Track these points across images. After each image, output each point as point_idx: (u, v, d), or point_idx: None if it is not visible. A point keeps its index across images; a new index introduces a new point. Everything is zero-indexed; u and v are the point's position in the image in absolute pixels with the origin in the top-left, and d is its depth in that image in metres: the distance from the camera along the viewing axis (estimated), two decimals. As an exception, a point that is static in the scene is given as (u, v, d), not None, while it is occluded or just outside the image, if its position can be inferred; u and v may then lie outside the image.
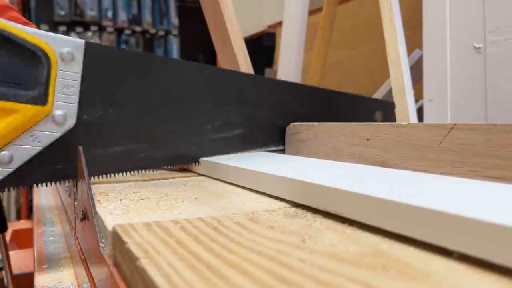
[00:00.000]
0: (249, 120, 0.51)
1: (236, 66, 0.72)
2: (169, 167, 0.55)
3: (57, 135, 0.38)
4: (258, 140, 0.52)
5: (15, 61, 0.36)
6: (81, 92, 0.39)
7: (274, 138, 0.54)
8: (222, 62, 0.76)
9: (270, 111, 0.53)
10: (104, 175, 0.42)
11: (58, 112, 0.38)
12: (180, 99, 0.46)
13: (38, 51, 0.36)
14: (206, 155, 0.48)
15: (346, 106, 0.59)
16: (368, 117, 0.58)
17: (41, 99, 0.37)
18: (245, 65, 0.72)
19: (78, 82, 0.39)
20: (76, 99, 0.39)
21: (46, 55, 0.37)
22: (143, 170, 0.45)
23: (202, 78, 0.48)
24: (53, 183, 0.40)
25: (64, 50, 0.38)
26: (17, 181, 0.37)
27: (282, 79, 0.96)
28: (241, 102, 0.51)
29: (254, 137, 0.52)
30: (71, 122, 0.39)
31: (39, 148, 0.37)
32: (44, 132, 0.37)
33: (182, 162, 0.48)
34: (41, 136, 0.37)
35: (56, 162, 0.39)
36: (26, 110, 0.36)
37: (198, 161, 0.48)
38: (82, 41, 0.39)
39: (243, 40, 0.73)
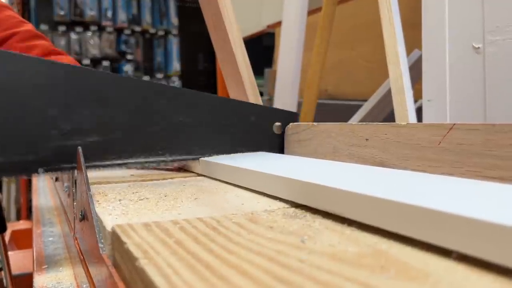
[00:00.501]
0: (108, 127, 0.44)
1: (235, 66, 0.72)
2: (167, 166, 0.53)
3: None
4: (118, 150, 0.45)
5: None
6: None
7: (147, 149, 0.46)
8: (221, 62, 0.76)
9: (137, 117, 0.46)
10: None
11: None
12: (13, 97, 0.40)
13: None
14: (49, 164, 0.42)
15: (235, 115, 0.51)
16: (264, 129, 0.52)
17: None
18: (244, 65, 0.72)
19: None
20: None
21: None
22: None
23: (50, 78, 0.41)
24: None
25: None
26: None
27: (281, 79, 0.96)
28: (96, 105, 0.44)
29: (113, 147, 0.45)
30: None
31: None
32: None
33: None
34: None
35: None
36: None
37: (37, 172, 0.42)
38: None
39: (242, 40, 0.73)
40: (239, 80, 0.70)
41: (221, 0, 0.70)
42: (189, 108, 0.49)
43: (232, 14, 0.71)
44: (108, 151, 0.44)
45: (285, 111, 0.55)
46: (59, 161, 0.42)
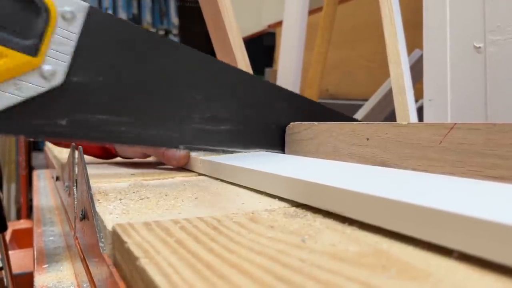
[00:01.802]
0: (240, 119, 0.50)
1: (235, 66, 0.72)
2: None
3: (41, 89, 0.37)
4: (247, 139, 0.51)
5: (16, 8, 0.36)
6: (74, 53, 0.39)
7: (268, 141, 0.53)
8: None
9: (264, 113, 0.52)
10: (81, 141, 0.42)
11: (47, 67, 0.37)
12: (173, 83, 0.46)
13: (40, 3, 0.36)
14: (188, 143, 0.47)
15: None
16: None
17: (33, 50, 0.36)
18: (244, 66, 0.72)
19: (73, 42, 0.38)
20: (68, 58, 0.38)
21: (47, 9, 0.36)
22: (119, 144, 0.44)
23: (200, 68, 0.47)
24: (31, 137, 0.39)
25: (66, 9, 0.37)
26: None
27: (282, 78, 0.96)
28: (234, 99, 0.50)
29: (243, 136, 0.51)
30: (58, 79, 0.38)
31: (21, 99, 0.36)
32: (29, 84, 0.36)
33: (162, 145, 0.47)
34: (25, 86, 0.36)
35: (36, 117, 0.38)
36: (15, 57, 0.35)
37: (178, 147, 0.47)
38: (86, 4, 0.39)
39: (242, 40, 0.73)
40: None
41: (221, 0, 0.70)
42: (305, 113, 0.55)
43: (231, 14, 0.72)
44: (237, 139, 0.51)
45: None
46: (197, 142, 0.48)
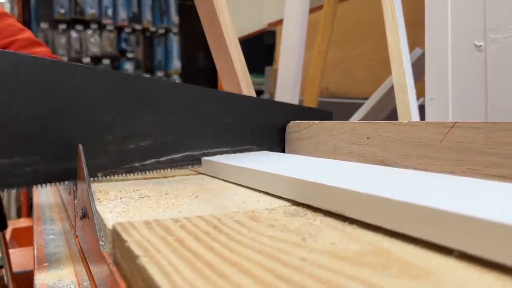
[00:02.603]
0: (161, 130, 0.46)
1: (231, 65, 0.72)
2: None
3: None
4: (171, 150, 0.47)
5: None
6: None
7: (194, 146, 0.48)
8: (217, 60, 0.76)
9: (186, 120, 0.48)
10: None
11: None
12: (80, 108, 0.41)
13: None
14: (107, 169, 0.43)
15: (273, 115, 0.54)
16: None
17: None
18: (239, 65, 0.72)
19: None
20: None
21: None
22: (28, 186, 0.40)
23: (106, 85, 0.43)
24: None
25: None
26: None
27: (283, 77, 0.96)
28: (151, 111, 0.45)
29: (166, 148, 0.46)
30: None
31: None
32: None
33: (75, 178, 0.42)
34: None
35: None
36: None
37: (97, 176, 0.43)
38: None
39: (237, 39, 0.73)
40: (235, 79, 0.71)
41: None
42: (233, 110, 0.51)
43: (227, 13, 0.71)
44: (158, 153, 0.46)
45: (322, 110, 0.58)
46: (115, 165, 0.44)
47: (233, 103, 0.52)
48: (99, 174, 0.43)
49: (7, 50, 0.41)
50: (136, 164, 0.45)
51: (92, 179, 0.43)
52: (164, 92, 0.47)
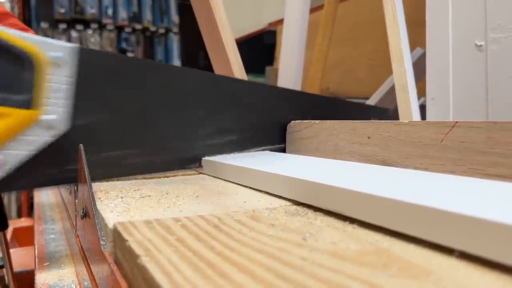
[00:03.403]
0: (242, 126, 0.51)
1: (228, 66, 0.72)
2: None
3: (48, 139, 0.37)
4: (252, 144, 0.53)
5: (3, 65, 0.35)
6: (74, 96, 0.38)
7: (271, 141, 0.54)
8: (214, 61, 0.77)
9: (266, 117, 0.53)
10: (98, 181, 0.42)
11: (48, 117, 0.37)
12: (175, 105, 0.46)
13: (25, 55, 0.35)
14: (197, 161, 0.48)
15: (345, 112, 0.59)
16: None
17: (28, 103, 0.36)
18: (236, 65, 0.72)
19: (70, 86, 0.38)
20: (68, 103, 0.38)
21: (31, 58, 0.36)
22: (133, 175, 0.45)
23: (198, 84, 0.48)
24: (46, 187, 0.40)
25: (55, 55, 0.37)
26: (8, 185, 0.36)
27: (283, 77, 0.96)
28: (234, 109, 0.51)
29: (247, 142, 0.52)
30: (63, 126, 0.38)
31: (28, 153, 0.36)
32: (33, 137, 0.36)
33: (176, 167, 0.48)
34: (30, 141, 0.36)
35: (48, 167, 0.38)
36: (12, 114, 0.35)
37: (191, 166, 0.48)
38: (75, 45, 0.38)
39: (234, 40, 0.73)
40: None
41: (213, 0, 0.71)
42: (305, 109, 0.56)
43: (223, 14, 0.72)
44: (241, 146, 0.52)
45: (379, 107, 0.61)
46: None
47: (298, 100, 0.58)
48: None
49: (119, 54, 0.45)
50: None
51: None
52: (245, 91, 0.52)
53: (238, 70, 0.71)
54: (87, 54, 0.40)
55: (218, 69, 0.75)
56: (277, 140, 0.54)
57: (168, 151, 0.46)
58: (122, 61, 0.43)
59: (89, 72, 0.40)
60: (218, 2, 0.71)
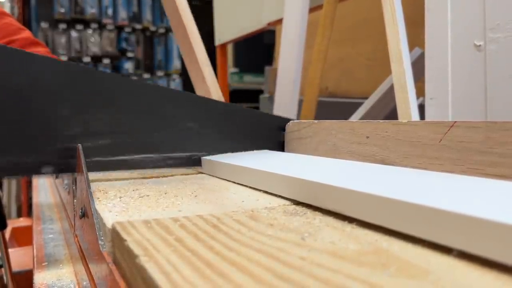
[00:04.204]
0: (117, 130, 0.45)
1: (203, 79, 0.77)
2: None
3: None
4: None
5: None
6: None
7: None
8: (193, 80, 0.83)
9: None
10: None
11: None
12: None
13: None
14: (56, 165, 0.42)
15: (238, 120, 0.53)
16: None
17: None
18: (205, 63, 0.76)
19: None
20: None
21: None
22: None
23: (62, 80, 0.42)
24: None
25: None
26: None
27: (282, 77, 0.96)
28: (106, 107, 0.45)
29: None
30: None
31: None
32: None
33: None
34: None
35: None
36: None
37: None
38: None
39: (208, 59, 0.79)
40: (208, 93, 0.77)
41: (183, 14, 0.74)
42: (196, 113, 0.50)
43: (198, 37, 0.78)
44: (114, 152, 0.45)
45: (282, 117, 0.56)
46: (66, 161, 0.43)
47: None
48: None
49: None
50: None
51: None
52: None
53: (214, 91, 0.75)
54: None
55: (198, 89, 0.81)
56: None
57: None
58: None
59: None
60: (188, 17, 0.75)
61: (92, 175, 0.43)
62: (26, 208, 2.34)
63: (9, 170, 0.40)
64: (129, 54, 2.81)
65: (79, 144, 0.40)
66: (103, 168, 0.45)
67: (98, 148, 0.44)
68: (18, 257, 0.85)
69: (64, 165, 0.42)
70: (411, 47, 0.68)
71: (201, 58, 0.77)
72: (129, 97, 0.46)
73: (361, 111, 1.08)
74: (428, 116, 0.60)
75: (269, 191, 0.35)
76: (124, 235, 0.24)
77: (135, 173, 0.50)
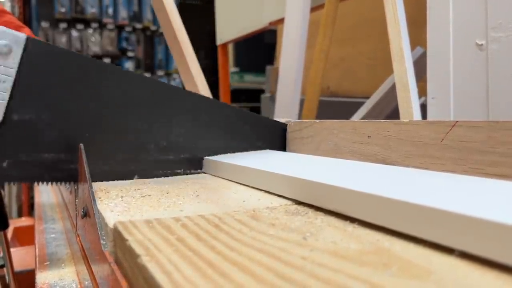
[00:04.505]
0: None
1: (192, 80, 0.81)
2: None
3: None
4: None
5: None
6: (13, 89, 0.36)
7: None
8: (183, 79, 0.86)
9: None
10: (25, 182, 0.39)
11: None
12: (126, 112, 0.42)
13: None
14: (144, 176, 0.44)
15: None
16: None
17: None
18: (200, 83, 0.77)
19: (11, 78, 0.36)
20: (6, 95, 0.36)
21: None
22: (71, 183, 0.41)
23: (149, 92, 0.44)
24: None
25: (1, 43, 0.35)
26: None
27: (284, 76, 0.96)
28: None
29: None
30: None
31: None
32: None
33: (116, 178, 0.43)
34: None
35: None
36: None
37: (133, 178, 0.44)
38: (23, 35, 0.36)
39: (195, 58, 0.82)
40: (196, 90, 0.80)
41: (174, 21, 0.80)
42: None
43: (185, 36, 0.82)
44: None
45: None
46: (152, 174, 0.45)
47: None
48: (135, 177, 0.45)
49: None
50: None
51: None
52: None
53: (200, 84, 0.78)
54: (36, 46, 0.37)
55: (188, 85, 0.85)
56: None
57: (111, 160, 0.42)
58: (73, 58, 0.39)
59: (34, 66, 0.37)
60: (179, 26, 0.77)
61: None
62: (27, 207, 2.34)
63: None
64: (130, 54, 2.81)
65: (80, 144, 0.40)
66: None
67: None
68: (20, 257, 0.85)
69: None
70: (412, 46, 0.68)
71: (189, 59, 0.79)
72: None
73: (362, 110, 1.07)
74: (430, 116, 0.60)
75: (270, 191, 0.35)
76: (125, 235, 0.24)
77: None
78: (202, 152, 0.48)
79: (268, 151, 0.52)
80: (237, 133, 0.51)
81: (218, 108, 0.49)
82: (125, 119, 0.43)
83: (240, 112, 0.51)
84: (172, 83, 2.98)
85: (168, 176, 0.46)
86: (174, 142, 0.46)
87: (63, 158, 0.39)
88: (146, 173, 0.44)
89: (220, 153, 0.49)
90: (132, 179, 0.44)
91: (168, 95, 0.45)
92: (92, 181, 0.37)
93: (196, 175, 0.48)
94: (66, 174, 0.40)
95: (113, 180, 0.43)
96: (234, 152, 0.50)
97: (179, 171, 0.47)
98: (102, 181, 0.42)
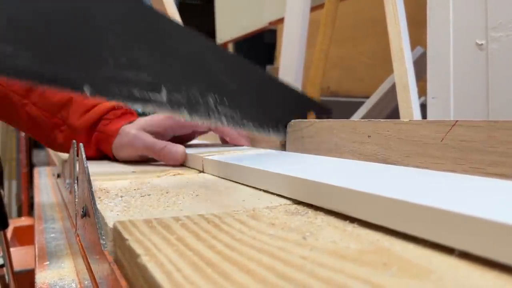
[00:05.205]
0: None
1: None
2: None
3: None
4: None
5: None
6: None
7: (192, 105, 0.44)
8: None
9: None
10: None
11: None
12: (88, 20, 0.37)
13: None
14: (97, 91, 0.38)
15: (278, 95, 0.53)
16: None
17: None
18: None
19: None
20: None
21: None
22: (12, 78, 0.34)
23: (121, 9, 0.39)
24: None
25: None
26: None
27: (284, 76, 0.96)
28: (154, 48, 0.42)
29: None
30: None
31: None
32: None
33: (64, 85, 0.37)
34: None
35: None
36: None
37: (82, 90, 0.37)
38: None
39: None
40: None
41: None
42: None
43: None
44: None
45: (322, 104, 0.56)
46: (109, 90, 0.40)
47: None
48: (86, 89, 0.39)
49: None
50: None
51: None
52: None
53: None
54: None
55: None
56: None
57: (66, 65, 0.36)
58: None
59: None
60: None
61: (93, 174, 0.43)
62: (26, 207, 2.34)
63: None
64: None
65: (80, 144, 0.40)
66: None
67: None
68: (20, 257, 0.85)
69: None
70: (412, 46, 0.68)
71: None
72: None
73: (362, 110, 1.08)
74: (430, 115, 0.60)
75: (270, 190, 0.35)
76: (125, 235, 0.24)
77: (137, 172, 0.50)
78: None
79: (267, 150, 0.52)
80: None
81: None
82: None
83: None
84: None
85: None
86: None
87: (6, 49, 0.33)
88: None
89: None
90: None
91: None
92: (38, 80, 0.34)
93: (196, 174, 0.48)
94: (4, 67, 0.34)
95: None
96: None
97: None
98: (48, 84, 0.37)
